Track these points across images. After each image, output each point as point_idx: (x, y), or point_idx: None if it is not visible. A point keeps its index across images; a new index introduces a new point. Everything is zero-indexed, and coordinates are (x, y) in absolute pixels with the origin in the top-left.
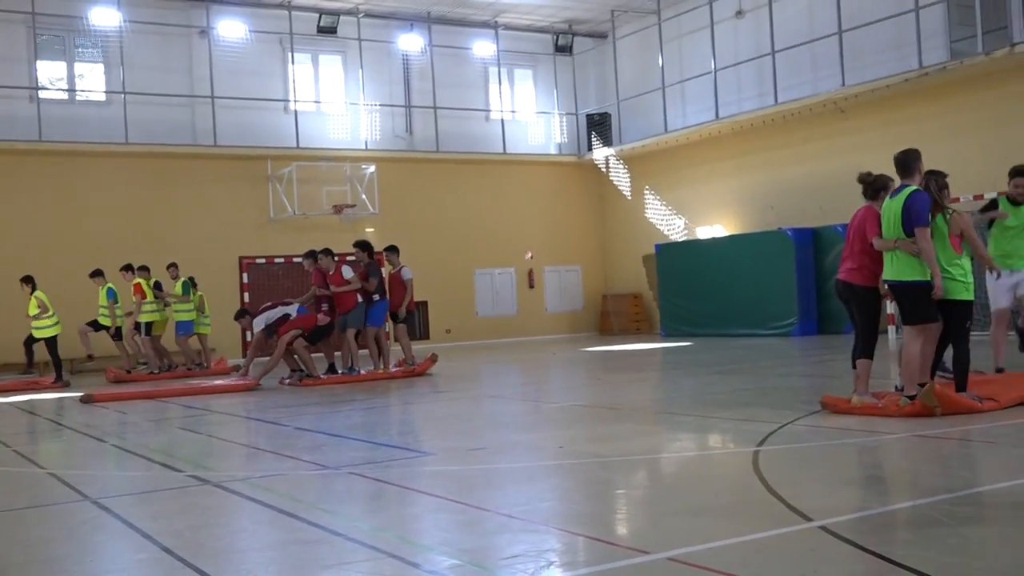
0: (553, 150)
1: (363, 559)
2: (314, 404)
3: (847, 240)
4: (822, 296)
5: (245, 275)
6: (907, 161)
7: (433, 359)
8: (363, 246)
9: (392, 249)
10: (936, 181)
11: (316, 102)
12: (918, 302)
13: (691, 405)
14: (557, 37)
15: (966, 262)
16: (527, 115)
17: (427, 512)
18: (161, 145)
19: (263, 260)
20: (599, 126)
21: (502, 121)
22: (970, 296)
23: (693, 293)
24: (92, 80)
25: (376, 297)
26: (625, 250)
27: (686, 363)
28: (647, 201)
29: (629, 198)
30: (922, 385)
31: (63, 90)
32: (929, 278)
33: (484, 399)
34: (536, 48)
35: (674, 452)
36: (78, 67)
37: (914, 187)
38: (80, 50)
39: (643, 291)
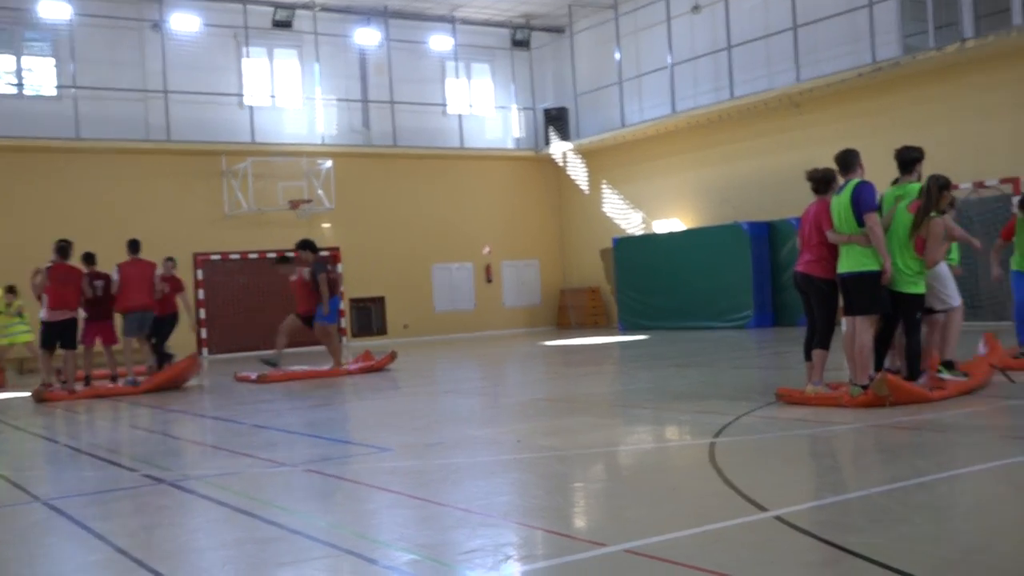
0: (511, 145)
1: (320, 556)
2: (270, 401)
3: (801, 234)
4: (777, 289)
5: (200, 271)
6: (848, 159)
7: (392, 356)
8: (306, 245)
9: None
10: (938, 182)
11: (271, 96)
12: (872, 291)
13: (648, 398)
14: (514, 31)
15: (917, 260)
16: (485, 110)
17: (384, 508)
18: (113, 140)
19: (218, 256)
20: (556, 121)
21: (459, 116)
22: (919, 290)
23: (650, 287)
24: (42, 74)
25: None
26: (583, 244)
27: (643, 356)
28: (604, 195)
29: (587, 192)
30: (877, 371)
31: (12, 84)
32: (880, 267)
33: (442, 394)
34: (493, 42)
35: (631, 445)
36: (27, 61)
37: (857, 179)
38: (29, 44)
39: (601, 285)
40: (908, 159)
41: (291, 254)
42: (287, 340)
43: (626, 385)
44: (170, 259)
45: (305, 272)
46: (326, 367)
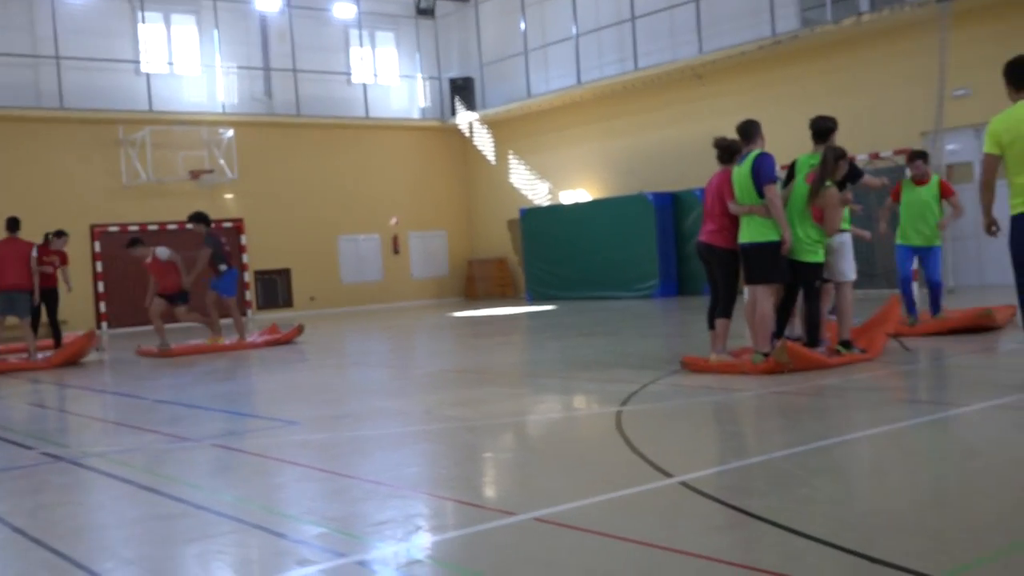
0: (416, 115)
1: (228, 531)
2: (174, 376)
3: (705, 204)
4: (682, 258)
5: (97, 244)
6: (749, 129)
7: (299, 329)
8: (198, 218)
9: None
10: (834, 152)
11: (169, 64)
12: (773, 261)
13: (556, 368)
14: (419, 0)
15: (817, 230)
16: (389, 79)
17: (293, 482)
18: (2, 108)
19: (116, 228)
20: (462, 91)
21: (364, 85)
22: (818, 259)
23: (557, 257)
24: None
25: (223, 268)
26: (490, 215)
27: (550, 327)
28: (511, 166)
29: (493, 163)
30: (778, 337)
31: None
32: (780, 237)
33: (350, 366)
34: (398, 11)
35: (540, 414)
36: None
37: (758, 151)
38: None
39: (508, 256)
40: (822, 129)
41: (139, 233)
42: (162, 323)
43: (534, 355)
44: (60, 233)
45: (160, 253)
46: (227, 340)
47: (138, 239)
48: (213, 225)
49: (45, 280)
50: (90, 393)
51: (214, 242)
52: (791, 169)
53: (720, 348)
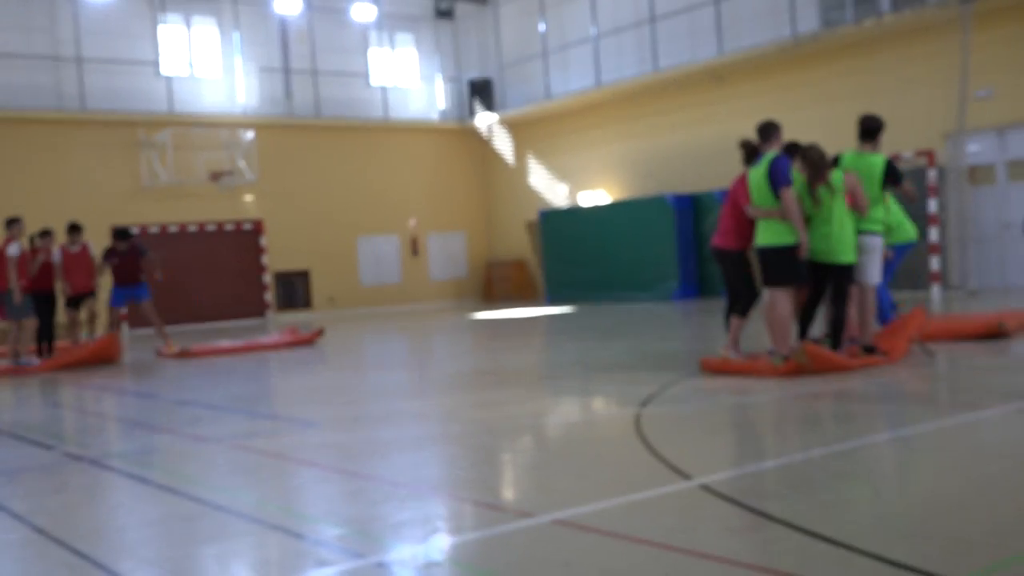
0: (436, 116)
1: (246, 532)
2: (194, 376)
3: (724, 205)
4: (701, 260)
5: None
6: (767, 130)
7: (319, 332)
8: (120, 235)
9: (74, 229)
10: (817, 152)
11: (190, 65)
12: (790, 264)
13: (575, 369)
14: (438, 1)
15: (856, 221)
16: (409, 81)
17: (311, 483)
18: (24, 109)
19: (137, 229)
20: (481, 92)
21: (383, 87)
22: (855, 260)
23: (576, 259)
24: None
25: (158, 276)
26: (509, 217)
27: (570, 328)
28: (530, 167)
29: (512, 165)
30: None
31: None
32: (797, 241)
33: (369, 368)
34: (417, 12)
35: (559, 416)
36: None
37: (774, 153)
38: None
39: (527, 257)
40: (872, 128)
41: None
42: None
43: (553, 357)
44: (45, 232)
45: (91, 248)
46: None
47: (80, 226)
48: (233, 227)
49: (43, 282)
50: (110, 393)
51: (145, 250)
52: (836, 164)
53: (732, 347)
